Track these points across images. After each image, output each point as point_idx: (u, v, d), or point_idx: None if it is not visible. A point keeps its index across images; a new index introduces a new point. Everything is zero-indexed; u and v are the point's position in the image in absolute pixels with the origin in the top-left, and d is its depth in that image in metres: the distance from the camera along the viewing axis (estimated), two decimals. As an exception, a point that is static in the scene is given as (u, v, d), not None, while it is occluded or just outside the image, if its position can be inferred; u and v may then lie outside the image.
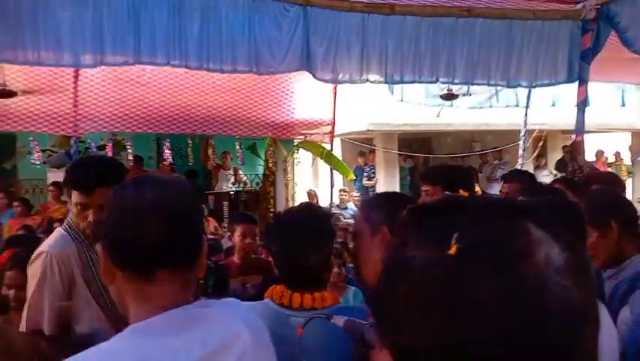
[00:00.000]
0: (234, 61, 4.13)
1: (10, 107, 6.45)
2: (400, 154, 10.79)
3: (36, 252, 2.09)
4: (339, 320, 1.26)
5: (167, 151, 7.48)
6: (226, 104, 7.32)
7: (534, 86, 5.57)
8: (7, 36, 3.21)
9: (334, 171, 8.02)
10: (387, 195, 1.64)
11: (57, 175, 7.95)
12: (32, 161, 6.69)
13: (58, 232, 2.16)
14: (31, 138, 6.87)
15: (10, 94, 5.99)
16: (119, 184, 1.08)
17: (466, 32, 4.83)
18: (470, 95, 7.59)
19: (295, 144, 8.48)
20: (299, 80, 7.18)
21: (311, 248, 1.52)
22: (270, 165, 8.59)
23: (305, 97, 7.52)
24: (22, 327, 2.02)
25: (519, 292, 0.48)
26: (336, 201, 8.91)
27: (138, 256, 0.97)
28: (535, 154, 10.25)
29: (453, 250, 0.50)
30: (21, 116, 6.57)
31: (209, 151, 8.99)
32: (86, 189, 2.02)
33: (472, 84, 5.77)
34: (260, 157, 9.52)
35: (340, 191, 9.41)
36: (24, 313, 2.04)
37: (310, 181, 11.53)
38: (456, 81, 5.40)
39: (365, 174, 10.65)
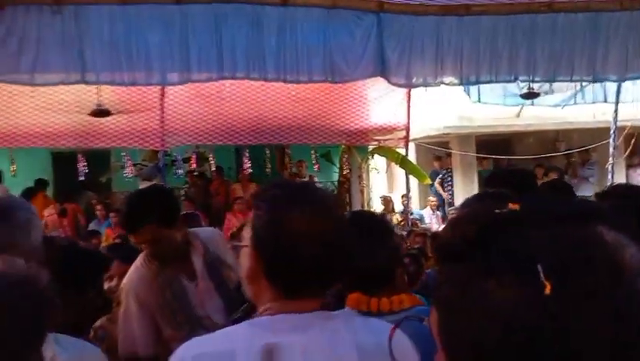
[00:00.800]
0: (310, 71, 4.25)
1: (104, 126, 6.99)
2: (479, 157, 10.47)
3: (122, 284, 2.29)
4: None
5: (246, 161, 7.75)
6: (301, 114, 7.50)
7: (624, 80, 5.26)
8: (106, 61, 3.51)
9: (410, 176, 7.95)
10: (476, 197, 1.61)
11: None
12: (125, 174, 7.17)
13: (140, 258, 2.27)
14: (123, 154, 7.38)
15: (105, 113, 6.47)
16: (277, 192, 1.09)
17: (546, 28, 4.66)
18: (552, 92, 7.27)
19: (370, 150, 8.49)
20: (372, 86, 7.21)
21: (373, 246, 1.52)
22: (345, 172, 8.67)
23: (378, 103, 7.53)
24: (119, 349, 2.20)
25: (622, 317, 0.46)
26: (413, 206, 8.82)
27: (292, 277, 1.02)
28: (627, 153, 9.59)
29: (548, 291, 0.46)
30: (114, 133, 7.10)
31: (286, 160, 9.21)
32: (132, 230, 2.16)
33: (555, 81, 5.55)
34: (334, 164, 9.63)
35: (402, 197, 9.31)
36: (119, 335, 2.22)
37: (385, 187, 11.48)
38: (536, 79, 5.22)
39: (439, 178, 10.40)
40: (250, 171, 8.08)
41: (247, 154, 7.73)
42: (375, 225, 1.62)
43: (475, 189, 10.42)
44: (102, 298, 2.21)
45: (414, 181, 8.77)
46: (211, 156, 7.89)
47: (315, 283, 1.04)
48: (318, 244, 1.01)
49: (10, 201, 1.57)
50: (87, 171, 7.02)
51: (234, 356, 0.98)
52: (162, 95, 6.98)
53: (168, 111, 7.14)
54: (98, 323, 2.42)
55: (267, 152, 7.83)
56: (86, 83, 3.84)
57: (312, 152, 7.79)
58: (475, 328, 0.50)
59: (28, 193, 7.92)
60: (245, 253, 1.09)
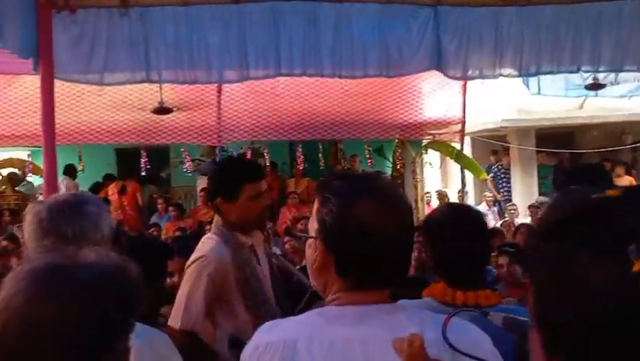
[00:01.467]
0: (365, 66, 4.25)
1: (165, 123, 7.27)
2: (539, 151, 10.12)
3: (195, 255, 2.20)
4: (497, 317, 1.25)
5: (299, 157, 7.84)
6: (354, 109, 7.51)
7: (699, 68, 4.94)
8: (169, 60, 3.66)
9: (465, 171, 7.81)
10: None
11: (206, 182, 8.73)
12: (184, 169, 7.43)
13: (212, 238, 2.24)
14: (182, 149, 7.64)
15: (167, 110, 6.71)
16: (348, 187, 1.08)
17: (612, 16, 4.45)
18: (618, 83, 6.93)
19: (424, 144, 8.39)
20: (427, 79, 7.12)
21: (474, 242, 1.52)
22: (398, 166, 8.61)
23: (433, 96, 7.42)
24: (175, 324, 2.15)
25: None
26: (469, 202, 8.64)
27: (361, 269, 1.03)
28: (701, 145, 9.00)
29: (637, 268, 0.49)
30: (174, 130, 7.36)
31: (339, 155, 9.24)
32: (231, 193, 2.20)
33: (621, 71, 5.29)
34: (388, 159, 9.57)
35: (458, 192, 9.12)
36: (176, 311, 2.18)
37: (439, 182, 11.30)
38: (601, 69, 4.99)
39: (490, 175, 10.07)
40: (304, 166, 8.17)
41: (300, 149, 7.81)
42: (471, 218, 1.61)
43: (534, 185, 10.09)
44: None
45: (469, 176, 8.60)
46: (266, 151, 8.03)
47: (383, 275, 1.05)
48: (388, 236, 1.02)
49: (81, 195, 1.66)
50: (149, 166, 7.32)
51: (296, 345, 1.01)
52: (219, 92, 7.18)
53: (225, 108, 7.34)
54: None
55: (320, 147, 7.89)
56: (151, 81, 4.01)
57: (365, 147, 7.79)
58: (569, 303, 0.54)
59: (97, 187, 8.36)
60: (311, 245, 1.10)
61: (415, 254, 4.56)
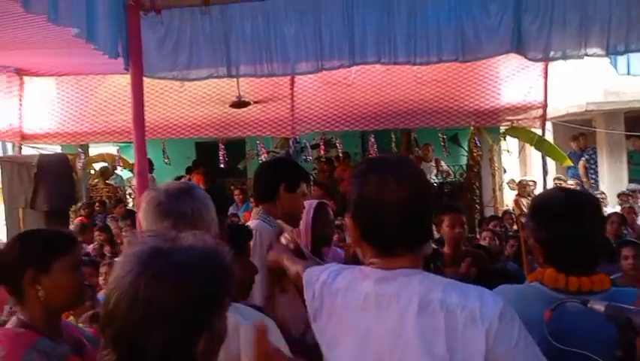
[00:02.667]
0: (440, 51, 4.17)
1: (241, 116, 7.52)
2: (629, 136, 9.46)
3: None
4: (599, 305, 1.22)
5: (372, 146, 7.82)
6: (427, 97, 7.38)
7: None
8: (248, 55, 3.79)
9: (547, 158, 7.46)
10: None
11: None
12: (260, 161, 7.63)
13: (257, 222, 2.40)
14: (258, 142, 7.85)
15: (244, 104, 6.93)
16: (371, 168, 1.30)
17: None
18: None
19: (501, 131, 8.10)
20: (504, 63, 6.86)
21: (593, 228, 1.48)
22: (475, 154, 8.36)
23: (511, 81, 7.14)
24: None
25: None
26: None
27: (379, 239, 1.26)
28: None
29: None
30: (250, 123, 7.60)
31: (412, 144, 9.12)
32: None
33: None
34: (463, 147, 9.32)
35: (555, 179, 8.69)
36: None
37: (517, 170, 10.87)
38: None
39: (583, 160, 9.54)
40: (376, 155, 8.13)
41: (372, 139, 7.78)
42: (590, 205, 1.56)
43: (624, 170, 9.46)
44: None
45: (551, 163, 8.21)
46: (338, 142, 8.08)
47: (397, 241, 1.24)
48: (396, 210, 1.21)
49: (186, 182, 1.78)
50: (227, 158, 7.59)
51: (338, 291, 1.32)
52: (292, 85, 7.33)
53: (297, 100, 7.48)
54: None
55: (393, 136, 7.82)
56: (231, 76, 4.17)
57: (440, 135, 7.63)
58: None
59: (180, 180, 8.78)
60: (348, 222, 1.32)
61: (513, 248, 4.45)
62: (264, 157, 8.07)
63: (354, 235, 1.29)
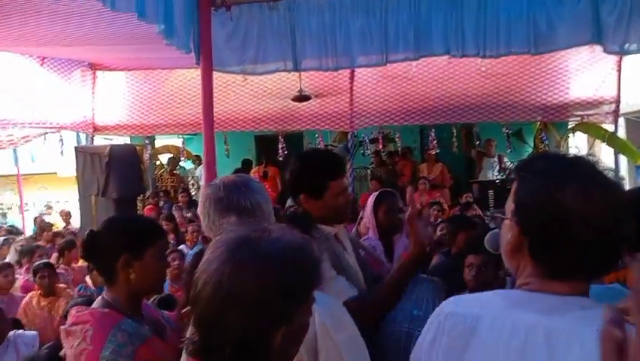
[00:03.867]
0: (509, 44, 4.04)
1: (300, 110, 7.60)
2: None
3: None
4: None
5: (432, 141, 7.70)
6: (491, 90, 7.18)
7: None
8: (314, 49, 3.82)
9: (619, 156, 7.09)
10: None
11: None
12: (319, 155, 7.66)
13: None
14: (316, 135, 7.91)
15: (306, 98, 6.99)
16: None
17: None
18: None
19: (570, 127, 7.77)
20: (574, 56, 6.57)
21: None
22: (541, 151, 8.06)
23: (581, 74, 6.83)
24: None
25: None
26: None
27: (558, 258, 0.97)
28: None
29: None
30: (309, 117, 7.66)
31: (473, 139, 8.91)
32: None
33: None
34: (527, 143, 9.01)
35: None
36: None
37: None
38: None
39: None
40: (436, 151, 8.01)
41: (433, 134, 7.66)
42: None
43: None
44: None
45: (623, 161, 7.79)
46: (397, 136, 8.01)
47: (584, 265, 0.96)
48: (593, 227, 0.93)
49: (242, 175, 1.77)
50: (286, 151, 7.69)
51: (479, 321, 1.00)
52: (352, 78, 7.32)
53: (357, 94, 7.47)
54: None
55: (454, 131, 7.67)
56: (297, 70, 4.21)
57: (504, 130, 7.40)
58: None
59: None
60: (506, 226, 1.05)
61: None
62: (322, 151, 8.09)
63: (516, 244, 1.02)
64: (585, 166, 1.00)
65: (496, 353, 0.96)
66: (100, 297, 1.74)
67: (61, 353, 1.67)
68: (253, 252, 0.92)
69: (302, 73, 6.37)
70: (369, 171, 9.50)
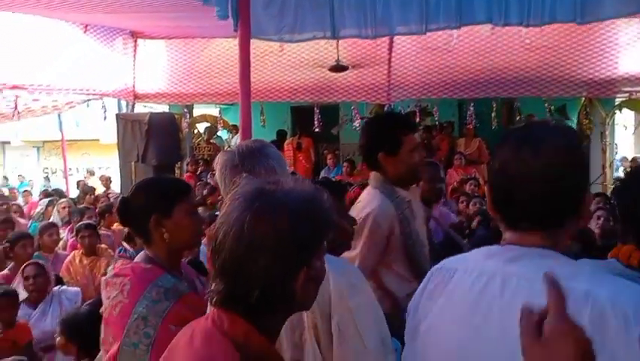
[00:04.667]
0: (554, 12, 3.86)
1: (337, 81, 7.53)
2: None
3: (363, 213, 2.22)
4: None
5: (471, 115, 7.53)
6: (535, 64, 6.93)
7: None
8: (352, 17, 3.76)
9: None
10: None
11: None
12: (354, 127, 7.64)
13: (376, 194, 2.26)
14: (352, 107, 7.85)
15: (343, 68, 6.93)
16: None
17: None
18: None
19: (617, 103, 7.46)
20: (625, 29, 6.26)
21: None
22: (585, 127, 7.78)
23: (631, 48, 6.52)
24: None
25: None
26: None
27: (507, 211, 1.12)
28: None
29: None
30: (345, 89, 7.59)
31: (514, 114, 8.67)
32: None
33: None
34: (571, 120, 8.70)
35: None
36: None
37: (632, 147, 10.00)
38: None
39: None
40: (474, 125, 7.84)
41: (472, 108, 7.48)
42: None
43: None
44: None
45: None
46: (435, 109, 7.87)
47: (525, 213, 1.08)
48: (530, 183, 1.05)
49: (260, 140, 1.76)
50: (321, 123, 7.69)
51: (455, 272, 1.16)
52: (390, 49, 7.19)
53: (395, 66, 7.34)
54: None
55: (494, 105, 7.47)
56: (335, 38, 4.17)
57: (546, 105, 7.16)
58: None
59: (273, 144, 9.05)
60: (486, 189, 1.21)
61: (600, 222, 4.21)
62: (358, 122, 8.06)
63: (488, 202, 1.18)
64: (528, 129, 1.14)
65: (461, 297, 1.12)
66: (143, 251, 1.81)
67: (101, 310, 1.75)
68: (269, 201, 0.97)
69: (339, 43, 6.31)
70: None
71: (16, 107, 6.87)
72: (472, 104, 7.42)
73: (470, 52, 7.01)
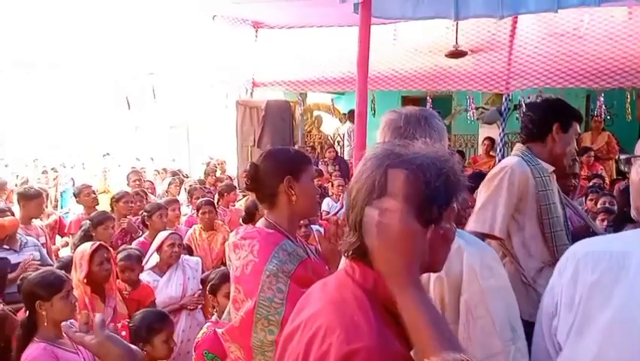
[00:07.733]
0: None
1: (451, 69, 7.26)
2: None
3: (499, 165, 2.44)
4: None
5: (600, 107, 6.93)
6: (680, 51, 6.18)
7: None
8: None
9: None
10: None
11: (489, 131, 8.52)
12: (469, 116, 7.36)
13: (514, 157, 2.43)
14: (467, 97, 7.55)
15: (461, 54, 6.69)
16: None
17: None
18: None
19: None
20: None
21: None
22: None
23: None
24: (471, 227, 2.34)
25: None
26: None
27: None
28: None
29: None
30: (460, 77, 7.30)
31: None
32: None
33: None
34: None
35: None
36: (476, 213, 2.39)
37: None
38: None
39: None
40: (604, 118, 7.21)
41: (602, 99, 6.88)
42: None
43: None
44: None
45: None
46: (559, 100, 7.32)
47: None
48: None
49: (427, 109, 1.78)
50: (430, 113, 7.48)
51: (626, 256, 1.05)
52: (512, 34, 6.79)
53: (516, 52, 6.92)
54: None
55: (628, 96, 6.81)
56: (458, 19, 4.02)
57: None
58: None
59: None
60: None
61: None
62: (472, 113, 7.76)
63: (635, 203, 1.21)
64: None
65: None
66: (263, 218, 1.91)
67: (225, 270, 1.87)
68: (400, 159, 1.02)
69: (458, 28, 6.08)
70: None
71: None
72: (602, 95, 6.81)
73: (603, 38, 6.44)
